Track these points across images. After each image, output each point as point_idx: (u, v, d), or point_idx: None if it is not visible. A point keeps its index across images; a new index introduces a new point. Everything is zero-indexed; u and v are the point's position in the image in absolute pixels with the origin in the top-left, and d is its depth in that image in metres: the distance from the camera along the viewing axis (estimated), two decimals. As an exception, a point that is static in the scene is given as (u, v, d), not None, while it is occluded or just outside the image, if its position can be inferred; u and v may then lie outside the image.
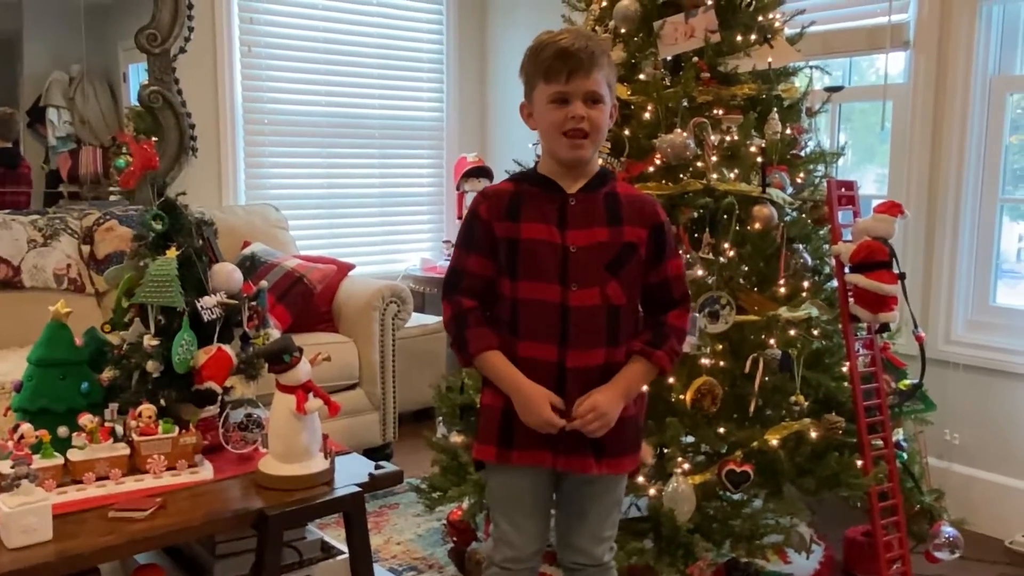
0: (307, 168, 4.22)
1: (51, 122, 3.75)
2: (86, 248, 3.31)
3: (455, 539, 2.57)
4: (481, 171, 4.32)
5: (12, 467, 1.53)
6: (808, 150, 2.64)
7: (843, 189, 2.51)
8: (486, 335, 1.57)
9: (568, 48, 1.51)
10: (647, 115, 2.45)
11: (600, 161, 2.43)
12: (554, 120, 1.53)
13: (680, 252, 2.26)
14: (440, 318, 4.05)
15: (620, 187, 1.62)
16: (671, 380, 2.31)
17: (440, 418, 2.71)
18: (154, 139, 2.10)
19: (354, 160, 4.38)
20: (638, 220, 1.57)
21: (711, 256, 2.33)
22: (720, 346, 2.34)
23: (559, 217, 1.55)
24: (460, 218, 4.41)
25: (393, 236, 4.59)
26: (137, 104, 3.67)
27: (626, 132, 2.46)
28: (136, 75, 3.76)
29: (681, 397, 2.29)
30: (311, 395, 1.73)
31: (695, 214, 2.37)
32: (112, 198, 3.75)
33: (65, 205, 3.58)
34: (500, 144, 4.69)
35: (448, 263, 4.57)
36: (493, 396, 1.61)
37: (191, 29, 3.60)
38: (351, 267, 3.73)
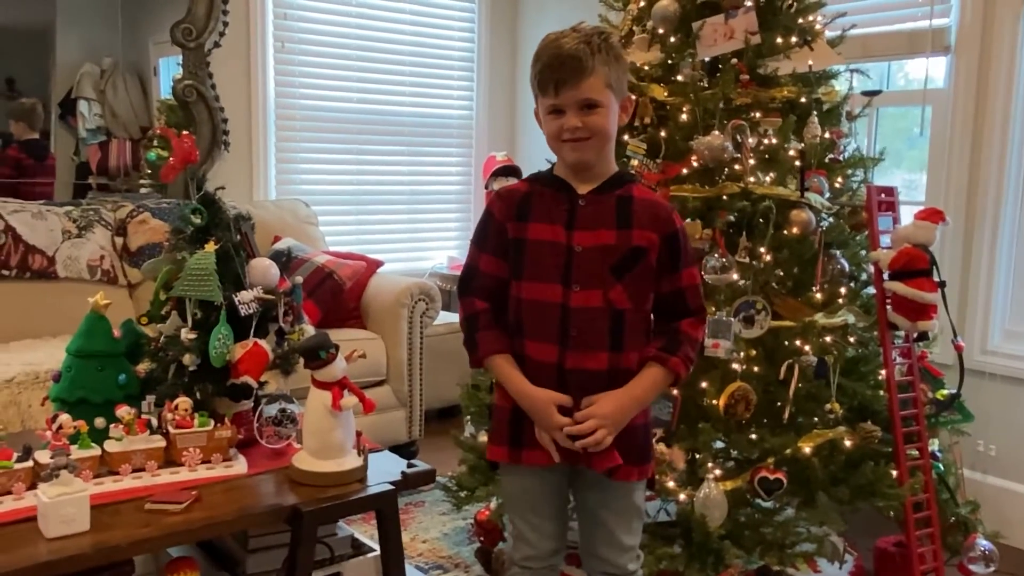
0: (337, 164, 4.23)
1: (82, 114, 3.78)
2: (119, 240, 3.34)
3: (482, 539, 2.57)
4: (510, 170, 4.31)
5: (51, 457, 1.54)
6: (846, 154, 2.61)
7: (883, 195, 2.48)
8: (495, 338, 1.57)
9: (558, 56, 1.49)
10: (684, 116, 2.43)
11: (635, 163, 2.46)
12: (552, 130, 1.54)
13: (716, 256, 2.29)
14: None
15: (637, 191, 1.58)
16: (704, 384, 2.30)
17: (468, 417, 2.71)
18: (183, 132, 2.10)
19: (384, 157, 4.39)
20: (650, 225, 1.55)
21: (747, 260, 2.31)
22: (754, 352, 2.33)
23: (567, 218, 1.54)
24: (488, 216, 4.41)
25: (421, 234, 4.60)
26: (169, 97, 3.71)
27: (663, 133, 2.45)
28: (167, 69, 3.78)
29: (714, 402, 2.27)
30: (346, 392, 1.73)
31: (731, 217, 2.35)
32: (143, 191, 3.78)
33: (97, 197, 3.61)
34: (529, 143, 4.68)
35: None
36: (503, 397, 1.61)
37: (225, 24, 3.62)
38: (380, 264, 3.73)
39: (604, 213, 1.54)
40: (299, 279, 1.99)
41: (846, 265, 2.45)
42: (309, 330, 1.94)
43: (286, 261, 3.39)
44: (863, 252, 2.52)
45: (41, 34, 3.64)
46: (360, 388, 1.77)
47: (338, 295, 3.45)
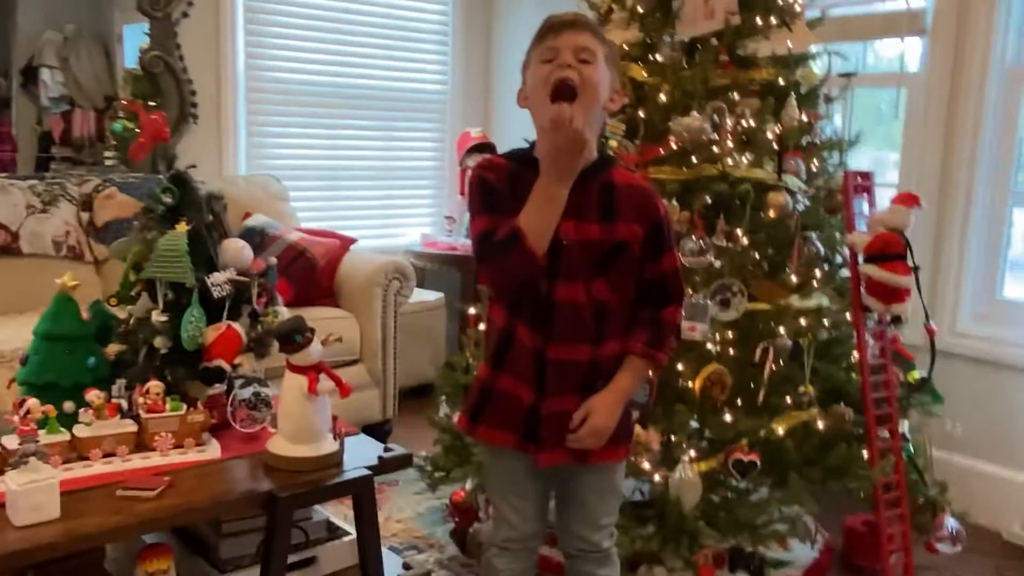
0: (309, 139, 4.17)
1: (44, 82, 3.68)
2: (85, 215, 3.27)
3: (457, 519, 2.57)
4: (485, 147, 4.26)
5: (19, 443, 1.51)
6: (823, 137, 2.62)
7: (859, 179, 2.49)
8: (514, 222, 1.48)
9: (565, 15, 1.52)
10: (663, 97, 2.43)
11: (614, 144, 2.45)
12: (540, 77, 1.47)
13: (694, 238, 2.29)
14: (439, 295, 4.06)
15: (619, 176, 1.56)
16: (680, 367, 2.31)
17: (443, 397, 2.70)
18: (152, 104, 2.05)
19: (357, 132, 4.33)
20: (634, 216, 1.53)
21: (724, 243, 2.31)
22: (730, 334, 2.34)
23: None
24: (462, 193, 4.38)
25: (395, 210, 4.55)
26: (135, 67, 3.62)
27: (641, 114, 2.44)
28: (133, 37, 3.69)
29: (690, 384, 2.28)
30: (323, 376, 1.71)
31: (709, 200, 2.35)
32: (108, 163, 3.70)
33: (61, 170, 3.52)
34: (505, 120, 4.64)
35: (448, 241, 4.42)
36: (482, 368, 1.63)
37: (194, -7, 3.54)
38: (353, 241, 3.69)
39: (587, 203, 1.51)
40: (273, 260, 1.96)
41: (821, 248, 2.47)
42: (283, 312, 1.92)
43: (259, 240, 3.34)
44: (838, 235, 2.54)
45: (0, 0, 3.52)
46: (334, 369, 1.75)
47: (311, 274, 3.41)
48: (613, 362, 1.57)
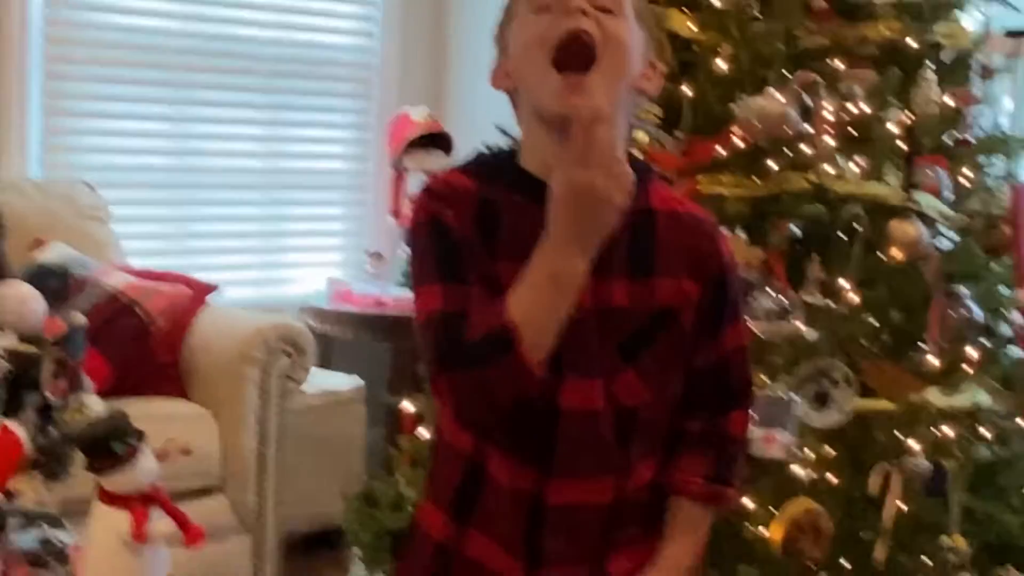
0: (146, 121, 4.21)
1: None
2: None
3: None
4: (435, 140, 4.31)
5: None
6: (979, 133, 2.67)
7: (1037, 199, 2.54)
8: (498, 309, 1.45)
9: None
10: (721, 65, 2.47)
11: (642, 137, 2.49)
12: (535, 33, 1.46)
13: (771, 292, 2.32)
14: (356, 382, 4.06)
15: (658, 197, 1.56)
16: (748, 503, 2.32)
17: (356, 549, 2.70)
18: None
19: (225, 112, 4.38)
20: (685, 266, 1.53)
21: (821, 300, 2.35)
22: (831, 450, 2.36)
23: None
24: (396, 214, 4.40)
25: (285, 239, 4.59)
26: None
27: (687, 91, 2.48)
28: None
29: (765, 532, 2.29)
30: (155, 511, 1.71)
31: (796, 230, 2.38)
32: None
33: None
34: (465, 97, 4.71)
35: (374, 292, 4.45)
36: (433, 513, 1.60)
37: None
38: (213, 289, 3.69)
39: (613, 249, 1.51)
40: (81, 319, 1.97)
41: (977, 312, 2.50)
42: (94, 404, 1.93)
43: (58, 286, 3.33)
44: (1004, 291, 2.57)
45: None
46: (177, 501, 1.75)
47: (143, 342, 3.40)
48: (646, 499, 1.57)
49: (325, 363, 4.13)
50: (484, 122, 2.60)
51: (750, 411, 1.64)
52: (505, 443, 1.51)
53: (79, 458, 1.75)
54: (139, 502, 1.68)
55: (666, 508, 1.58)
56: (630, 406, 1.51)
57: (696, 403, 1.58)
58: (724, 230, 2.30)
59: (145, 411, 3.19)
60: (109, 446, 1.66)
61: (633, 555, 1.57)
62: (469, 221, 1.48)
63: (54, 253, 3.48)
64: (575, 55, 1.43)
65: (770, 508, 2.30)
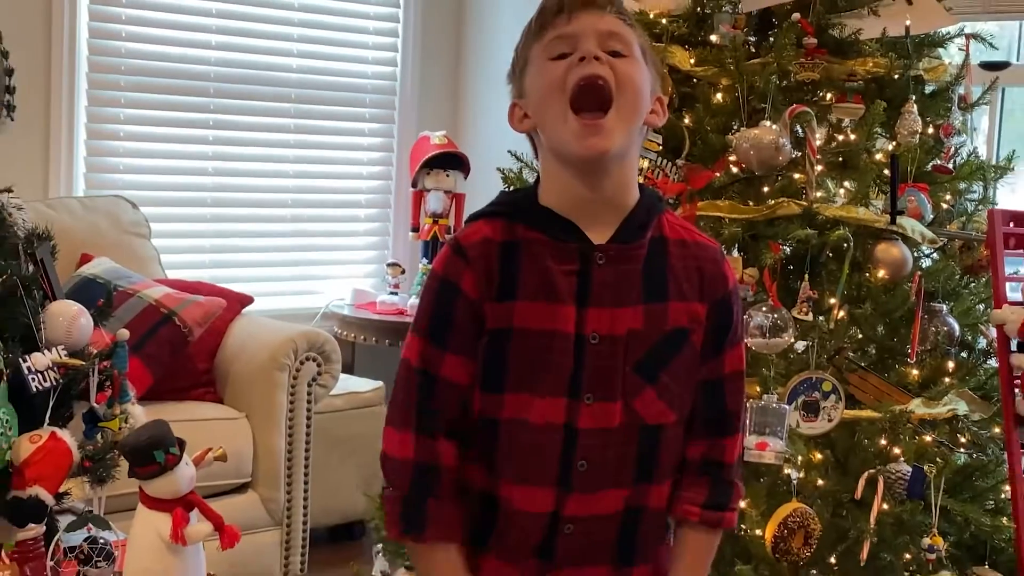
0: (184, 145, 4.21)
1: None
2: None
3: None
4: (450, 160, 4.33)
5: None
6: (959, 160, 2.67)
7: (1012, 223, 2.54)
8: (453, 518, 1.51)
9: None
10: (719, 97, 2.48)
11: (645, 165, 2.49)
12: (552, 80, 1.46)
13: (765, 309, 2.32)
14: (376, 384, 4.06)
15: (670, 226, 1.56)
16: (742, 505, 2.32)
17: (379, 545, 2.70)
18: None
19: (257, 136, 4.39)
20: (695, 290, 1.53)
21: (810, 316, 2.34)
22: (819, 456, 2.35)
23: (578, 288, 1.48)
24: (416, 228, 4.42)
25: (313, 253, 4.59)
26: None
27: (687, 121, 2.49)
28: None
29: (757, 533, 2.29)
30: (194, 514, 1.72)
31: (788, 251, 2.39)
32: None
33: None
34: (477, 120, 4.72)
35: (394, 300, 4.46)
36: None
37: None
38: (249, 300, 3.70)
39: (630, 276, 1.50)
40: (124, 333, 1.97)
41: (956, 327, 2.50)
42: (138, 413, 1.93)
43: (103, 299, 3.34)
44: (982, 308, 2.57)
45: None
46: (211, 496, 1.77)
47: (180, 350, 3.41)
48: (658, 515, 1.57)
49: (350, 368, 4.14)
50: (497, 144, 2.60)
51: (743, 434, 1.65)
52: (524, 475, 1.50)
53: (123, 464, 1.76)
54: (178, 504, 1.69)
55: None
56: (651, 424, 1.51)
57: (696, 427, 1.58)
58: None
59: (183, 414, 3.23)
60: (151, 454, 1.67)
61: (654, 568, 1.58)
62: (488, 274, 1.49)
63: (99, 267, 3.50)
64: (592, 100, 1.44)
65: (762, 510, 2.30)
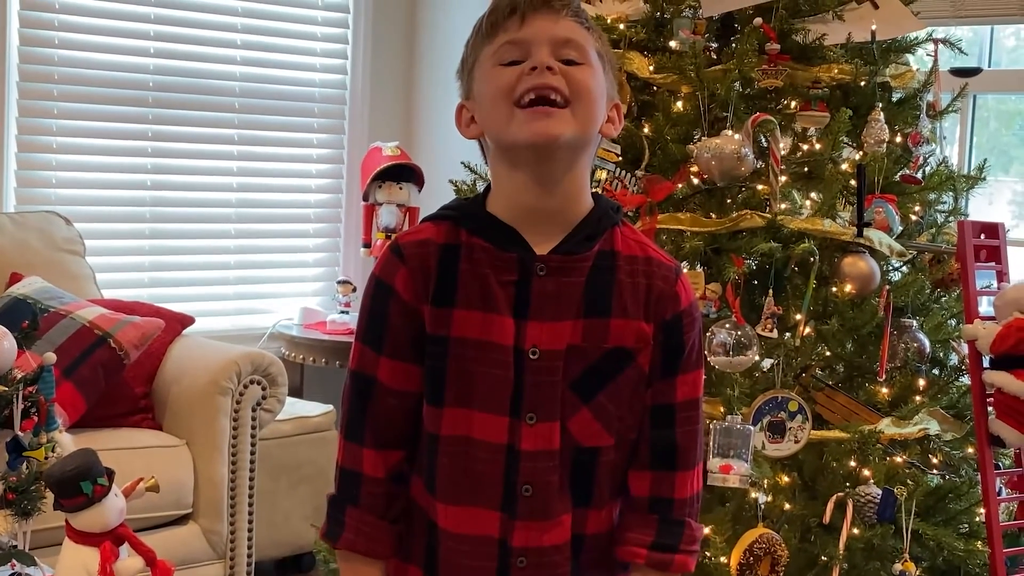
0: (120, 157, 4.18)
1: None
2: None
3: None
4: (403, 172, 4.31)
5: None
6: (928, 170, 2.69)
7: (983, 235, 2.55)
8: (373, 530, 1.50)
9: None
10: (680, 105, 2.49)
11: (603, 176, 2.49)
12: (501, 84, 1.45)
13: (728, 327, 2.32)
14: (326, 408, 4.04)
15: (624, 240, 1.55)
16: (706, 531, 2.31)
17: (326, 574, 2.68)
18: None
19: (198, 146, 4.36)
20: (640, 308, 1.51)
21: (774, 334, 2.35)
22: (786, 478, 2.36)
23: (517, 298, 1.47)
24: (368, 244, 4.40)
25: (259, 271, 4.56)
26: None
27: (646, 131, 2.49)
28: None
29: (723, 560, 2.29)
30: (124, 549, 1.69)
31: (752, 265, 2.39)
32: None
33: None
34: (431, 131, 4.71)
35: (344, 320, 4.44)
36: (401, 568, 1.56)
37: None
38: (189, 321, 3.67)
39: (572, 289, 1.49)
40: (51, 357, 1.95)
41: (926, 343, 2.52)
42: (65, 442, 1.91)
43: (30, 323, 3.30)
44: (953, 323, 2.58)
45: None
46: (146, 529, 1.74)
47: (116, 374, 3.37)
48: (606, 542, 1.55)
49: (298, 391, 4.11)
50: (452, 156, 2.60)
51: (698, 471, 1.58)
52: (461, 493, 1.49)
53: (48, 496, 1.74)
54: (108, 540, 1.67)
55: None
56: (588, 447, 1.50)
57: (639, 452, 1.55)
58: (684, 267, 2.34)
59: (119, 442, 3.19)
60: (78, 485, 1.65)
61: None
62: (425, 275, 1.49)
63: (30, 287, 3.45)
64: (541, 100, 1.43)
65: (727, 536, 2.30)
